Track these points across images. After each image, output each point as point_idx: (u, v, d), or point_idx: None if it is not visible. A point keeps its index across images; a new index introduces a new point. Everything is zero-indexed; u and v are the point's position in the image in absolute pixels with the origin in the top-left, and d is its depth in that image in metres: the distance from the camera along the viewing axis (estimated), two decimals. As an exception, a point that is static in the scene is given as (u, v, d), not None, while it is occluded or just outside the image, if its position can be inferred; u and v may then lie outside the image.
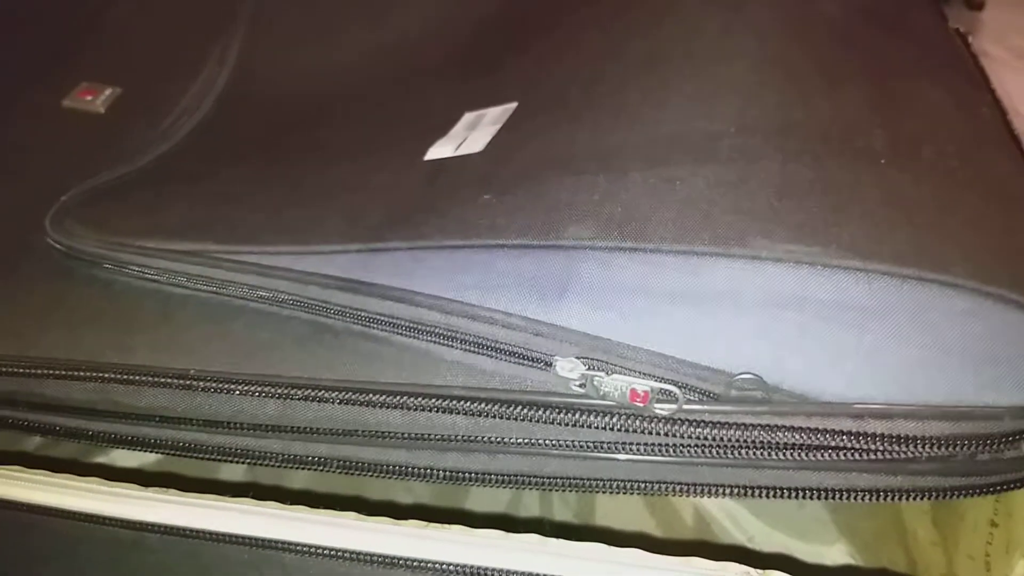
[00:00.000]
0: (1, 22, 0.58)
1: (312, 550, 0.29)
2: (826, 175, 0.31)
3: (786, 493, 0.29)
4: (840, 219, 0.29)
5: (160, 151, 0.46)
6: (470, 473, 0.32)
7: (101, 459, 0.60)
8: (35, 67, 0.54)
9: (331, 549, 0.29)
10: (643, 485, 0.31)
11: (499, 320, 0.30)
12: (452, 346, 0.31)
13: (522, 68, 0.45)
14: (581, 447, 0.31)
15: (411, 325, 0.32)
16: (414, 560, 0.28)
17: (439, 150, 0.40)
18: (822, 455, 0.28)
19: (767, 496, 0.30)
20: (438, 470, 0.33)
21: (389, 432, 0.32)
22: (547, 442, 0.31)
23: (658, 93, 0.37)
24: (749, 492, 0.30)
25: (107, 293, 0.37)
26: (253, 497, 0.31)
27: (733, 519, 0.52)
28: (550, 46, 0.45)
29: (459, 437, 0.31)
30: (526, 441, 0.31)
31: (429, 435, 0.32)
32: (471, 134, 0.40)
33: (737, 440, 0.28)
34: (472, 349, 0.31)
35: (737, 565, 0.27)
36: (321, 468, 0.34)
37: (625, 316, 0.29)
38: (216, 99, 0.51)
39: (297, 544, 0.29)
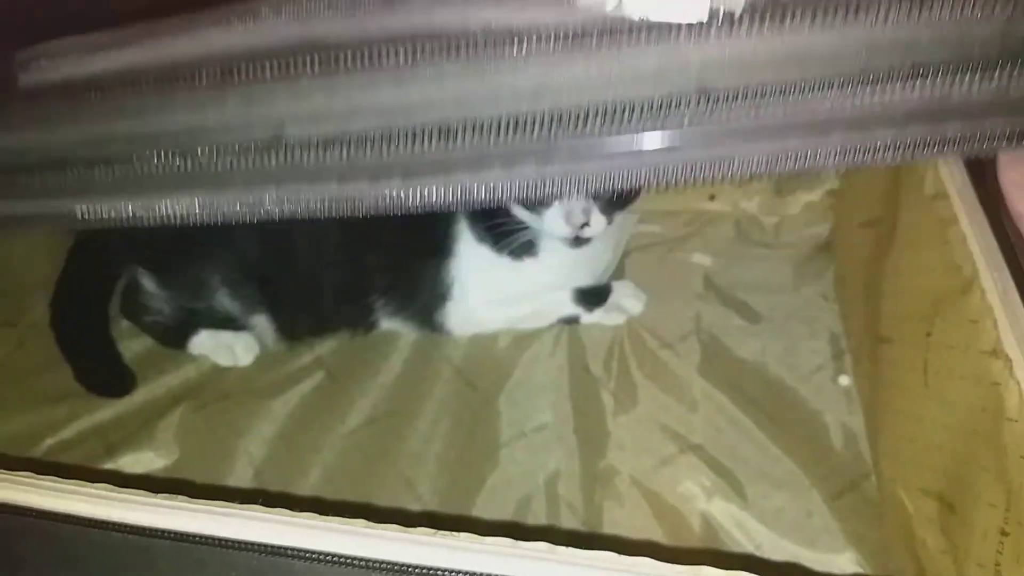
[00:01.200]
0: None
1: (321, 557, 0.29)
2: None
3: (867, 156, 0.24)
4: None
5: None
6: (487, 186, 0.28)
7: (110, 465, 0.60)
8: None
9: (340, 556, 0.29)
10: (707, 164, 0.26)
11: None
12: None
13: None
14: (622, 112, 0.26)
15: None
16: (423, 567, 0.28)
17: None
18: None
19: (848, 158, 0.25)
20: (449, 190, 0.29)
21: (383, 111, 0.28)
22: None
23: None
24: (851, 154, 0.25)
25: (73, 109, 0.33)
26: (262, 504, 0.31)
27: (741, 527, 0.52)
28: None
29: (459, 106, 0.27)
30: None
31: (435, 118, 0.28)
32: None
33: None
34: None
35: (746, 574, 0.27)
36: (319, 209, 0.30)
37: None
38: None
39: (306, 551, 0.29)
